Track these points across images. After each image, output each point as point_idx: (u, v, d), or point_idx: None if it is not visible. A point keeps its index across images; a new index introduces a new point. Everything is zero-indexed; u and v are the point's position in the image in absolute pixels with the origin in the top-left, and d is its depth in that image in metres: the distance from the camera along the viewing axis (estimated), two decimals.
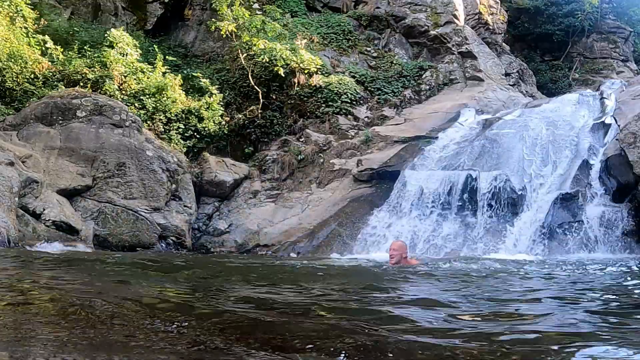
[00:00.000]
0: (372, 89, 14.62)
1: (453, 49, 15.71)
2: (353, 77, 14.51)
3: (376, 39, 16.43)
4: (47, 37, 11.77)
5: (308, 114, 13.74)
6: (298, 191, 11.92)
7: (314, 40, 15.32)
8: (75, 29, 13.95)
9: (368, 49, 16.07)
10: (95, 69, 11.71)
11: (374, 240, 9.83)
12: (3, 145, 8.90)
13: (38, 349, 2.03)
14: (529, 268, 6.41)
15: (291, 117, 13.80)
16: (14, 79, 10.83)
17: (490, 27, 17.56)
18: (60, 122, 10.08)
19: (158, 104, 11.87)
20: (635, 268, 6.10)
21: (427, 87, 15.01)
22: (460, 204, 9.90)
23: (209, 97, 12.67)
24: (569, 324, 2.80)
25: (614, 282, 4.75)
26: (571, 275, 5.38)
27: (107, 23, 15.30)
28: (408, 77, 15.07)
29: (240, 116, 13.48)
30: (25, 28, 11.54)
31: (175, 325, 2.50)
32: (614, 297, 3.90)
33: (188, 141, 12.21)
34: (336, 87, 13.69)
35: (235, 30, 13.37)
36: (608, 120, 10.87)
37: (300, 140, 13.18)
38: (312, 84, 13.64)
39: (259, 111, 13.56)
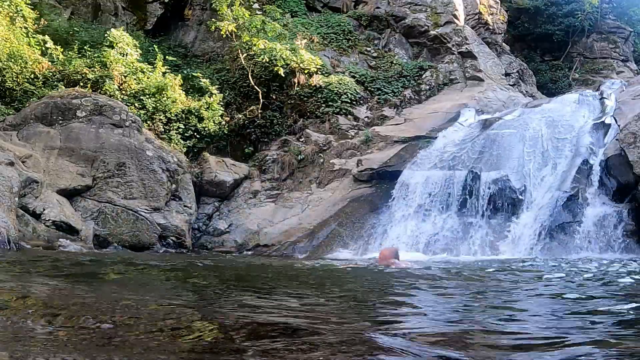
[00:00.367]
0: (372, 89, 14.62)
1: (453, 49, 15.71)
2: (353, 77, 14.51)
3: (376, 39, 16.43)
4: (47, 37, 11.77)
5: (308, 114, 13.74)
6: (298, 191, 11.92)
7: (314, 40, 15.32)
8: (75, 29, 13.95)
9: (368, 49, 16.07)
10: (95, 69, 11.71)
11: (374, 240, 9.83)
12: (3, 145, 8.90)
13: (38, 348, 2.03)
14: (527, 268, 6.40)
15: (291, 117, 13.80)
16: (14, 79, 10.83)
17: (490, 27, 17.56)
18: (60, 122, 10.08)
19: (158, 104, 11.87)
20: (635, 268, 6.10)
21: (427, 87, 15.01)
22: (460, 203, 9.91)
23: (209, 97, 12.67)
24: (555, 326, 2.78)
25: (614, 283, 4.75)
26: (569, 275, 5.38)
27: (107, 23, 15.30)
28: (408, 77, 15.07)
29: (240, 116, 13.48)
30: (25, 28, 11.54)
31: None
32: (611, 297, 3.90)
33: (188, 141, 12.21)
34: (336, 87, 13.69)
35: (235, 30, 13.37)
36: (608, 120, 10.87)
37: (300, 140, 13.18)
38: (312, 84, 13.64)
39: (259, 111, 13.56)
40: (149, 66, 12.34)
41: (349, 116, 13.64)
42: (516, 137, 10.99)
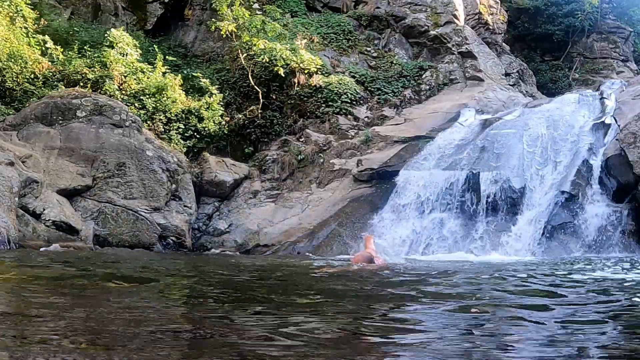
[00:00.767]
0: (372, 89, 14.62)
1: (453, 49, 15.71)
2: (353, 77, 14.51)
3: (376, 39, 16.43)
4: (47, 37, 11.77)
5: (308, 114, 13.74)
6: (298, 191, 11.92)
7: (314, 40, 15.32)
8: (75, 29, 13.95)
9: (368, 49, 16.07)
10: (95, 69, 11.71)
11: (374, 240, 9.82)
12: (3, 145, 8.90)
13: (38, 348, 2.03)
14: (524, 268, 6.40)
15: (291, 117, 13.80)
16: (14, 79, 10.83)
17: (490, 27, 17.56)
18: (60, 122, 10.08)
19: (158, 104, 11.87)
20: (634, 268, 6.10)
21: (427, 87, 15.01)
22: (460, 203, 9.91)
23: (209, 97, 12.67)
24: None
25: (612, 282, 4.75)
26: (567, 275, 5.38)
27: (107, 23, 15.30)
28: (408, 77, 15.07)
29: (240, 116, 13.48)
30: (25, 28, 11.54)
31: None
32: (607, 296, 3.90)
33: (188, 141, 12.21)
34: (336, 87, 13.69)
35: (235, 30, 13.37)
36: (608, 120, 10.87)
37: (300, 140, 13.18)
38: (312, 84, 13.64)
39: (259, 111, 13.56)
40: (149, 66, 12.34)
41: (349, 116, 13.65)
42: (516, 137, 10.99)
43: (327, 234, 10.26)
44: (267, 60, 12.94)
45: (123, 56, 11.99)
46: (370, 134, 12.71)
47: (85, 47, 12.31)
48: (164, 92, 11.96)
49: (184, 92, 12.51)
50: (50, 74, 11.58)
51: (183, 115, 12.23)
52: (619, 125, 10.21)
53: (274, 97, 13.95)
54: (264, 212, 11.34)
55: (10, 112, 10.61)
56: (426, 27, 16.14)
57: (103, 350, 2.06)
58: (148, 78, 12.00)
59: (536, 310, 3.24)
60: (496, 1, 18.28)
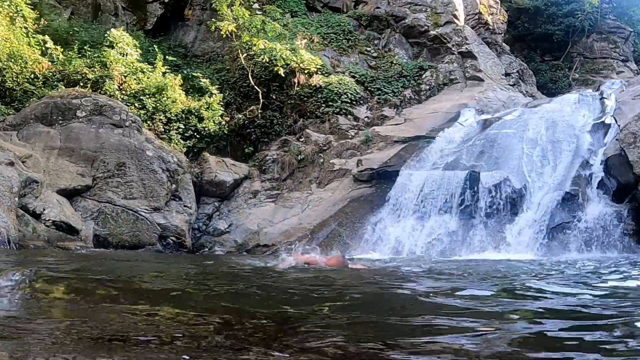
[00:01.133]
0: (372, 89, 14.62)
1: (453, 49, 15.71)
2: (353, 77, 14.51)
3: (376, 39, 16.43)
4: (47, 37, 11.78)
5: (308, 114, 13.74)
6: (298, 191, 11.92)
7: (314, 40, 15.33)
8: (75, 29, 13.96)
9: (368, 49, 16.07)
10: (95, 69, 11.71)
11: (374, 240, 9.83)
12: (3, 145, 8.90)
13: (38, 348, 2.03)
14: (522, 267, 6.40)
15: (291, 117, 13.80)
16: (14, 79, 10.83)
17: (490, 27, 17.56)
18: (60, 122, 10.08)
19: (158, 104, 11.87)
20: (634, 267, 6.10)
21: (427, 87, 15.01)
22: (460, 203, 9.91)
23: (209, 97, 12.67)
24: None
25: (611, 283, 4.75)
26: (565, 275, 5.38)
27: (107, 23, 15.30)
28: (408, 77, 15.07)
29: (240, 116, 13.48)
30: (25, 28, 11.55)
31: None
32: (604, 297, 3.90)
33: (188, 141, 12.21)
34: (336, 87, 13.69)
35: (235, 30, 13.37)
36: (608, 120, 10.87)
37: (300, 140, 13.18)
38: (312, 84, 13.64)
39: (259, 111, 13.56)
40: (149, 66, 12.35)
41: (349, 116, 13.65)
42: (516, 137, 10.99)
43: (327, 234, 10.26)
44: (267, 60, 12.95)
45: (123, 56, 12.00)
46: (370, 134, 12.71)
47: (85, 47, 12.31)
48: (164, 92, 11.96)
49: (184, 92, 12.51)
50: (50, 74, 11.58)
51: (183, 115, 12.23)
52: (619, 125, 10.21)
53: (274, 97, 13.95)
54: (264, 212, 11.34)
55: (10, 112, 10.61)
56: (426, 27, 16.15)
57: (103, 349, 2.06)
58: (148, 78, 12.00)
59: None
60: (496, 1, 18.28)
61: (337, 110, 13.59)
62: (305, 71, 13.51)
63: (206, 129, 12.35)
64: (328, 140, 12.91)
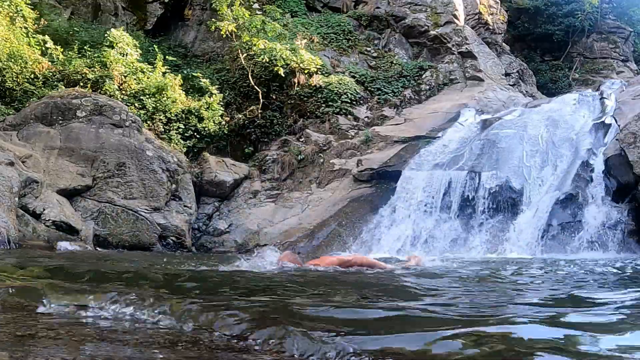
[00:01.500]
0: (372, 89, 14.62)
1: (453, 49, 15.71)
2: (353, 77, 14.51)
3: (376, 39, 16.43)
4: (47, 37, 11.77)
5: (308, 114, 13.74)
6: (298, 191, 11.93)
7: (314, 40, 15.33)
8: (75, 29, 13.96)
9: (368, 49, 16.07)
10: (95, 69, 11.71)
11: (374, 240, 9.83)
12: (3, 145, 8.90)
13: (38, 348, 2.03)
14: (519, 268, 6.40)
15: (291, 117, 13.80)
16: (14, 79, 10.83)
17: (490, 27, 17.56)
18: (60, 122, 10.08)
19: (158, 104, 11.87)
20: (633, 268, 6.10)
21: (427, 87, 15.01)
22: (460, 204, 9.91)
23: (209, 97, 12.67)
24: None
25: (611, 283, 4.75)
26: (565, 275, 5.38)
27: (107, 23, 15.30)
28: (408, 77, 15.07)
29: (240, 116, 13.48)
30: (25, 28, 11.54)
31: None
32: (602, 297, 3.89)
33: (188, 141, 12.22)
34: (336, 87, 13.69)
35: (235, 30, 13.37)
36: (608, 120, 10.87)
37: (300, 140, 13.18)
38: (312, 84, 13.64)
39: (259, 111, 13.56)
40: (149, 66, 12.35)
41: (349, 116, 13.65)
42: (516, 137, 11.00)
43: (327, 234, 10.26)
44: (267, 60, 12.95)
45: (123, 56, 12.00)
46: (370, 134, 12.71)
47: (85, 47, 12.31)
48: (164, 92, 11.96)
49: (184, 92, 12.51)
50: (50, 74, 11.58)
51: (183, 115, 12.23)
52: (619, 125, 10.21)
53: (274, 97, 13.95)
54: (264, 212, 11.35)
55: (10, 112, 10.61)
56: (426, 27, 16.15)
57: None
58: (148, 78, 12.01)
59: None
60: (496, 1, 18.28)
61: (337, 110, 13.59)
62: (305, 71, 13.51)
63: (206, 129, 12.35)
64: (328, 140, 12.91)
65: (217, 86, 13.26)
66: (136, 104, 11.63)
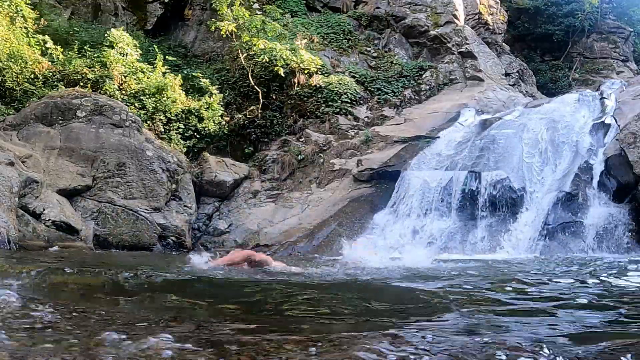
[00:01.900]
0: (372, 89, 14.62)
1: (453, 49, 15.71)
2: (353, 77, 14.52)
3: (376, 39, 16.43)
4: (47, 37, 11.78)
5: (308, 114, 13.75)
6: (298, 191, 11.93)
7: (314, 40, 15.33)
8: (75, 29, 13.96)
9: (368, 49, 16.07)
10: (95, 69, 11.71)
11: (375, 240, 9.82)
12: (3, 145, 8.90)
13: (38, 348, 2.03)
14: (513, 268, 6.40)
15: (291, 117, 13.80)
16: (14, 79, 10.83)
17: (490, 27, 17.57)
18: (60, 122, 10.08)
19: (158, 104, 11.88)
20: (633, 268, 6.10)
21: (427, 87, 15.01)
22: (460, 204, 9.91)
23: (209, 97, 12.68)
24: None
25: (610, 283, 4.75)
26: (563, 275, 5.38)
27: (107, 23, 15.30)
28: (408, 77, 15.07)
29: (240, 116, 13.49)
30: (25, 28, 11.55)
31: None
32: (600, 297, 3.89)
33: (188, 141, 12.22)
34: (336, 87, 13.70)
35: (235, 30, 13.38)
36: (608, 120, 10.87)
37: (300, 140, 13.19)
38: (312, 84, 13.64)
39: (259, 111, 13.57)
40: (149, 66, 12.35)
41: (349, 116, 13.65)
42: (516, 137, 10.99)
43: (327, 234, 10.26)
44: (267, 60, 12.95)
45: (123, 56, 12.00)
46: (370, 134, 12.71)
47: (85, 47, 12.31)
48: (164, 92, 11.97)
49: (184, 92, 12.52)
50: (50, 74, 11.58)
51: (183, 115, 12.24)
52: (619, 125, 10.21)
53: (274, 97, 13.95)
54: (264, 212, 11.35)
55: (10, 112, 10.61)
56: (426, 27, 16.15)
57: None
58: (148, 78, 12.01)
59: None
60: (496, 1, 18.29)
61: (337, 110, 13.59)
62: (305, 71, 13.51)
63: (206, 129, 12.36)
64: (328, 140, 12.91)
65: (217, 86, 13.26)
66: (136, 104, 11.64)
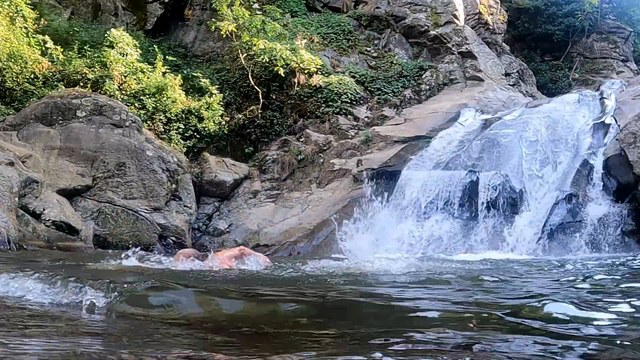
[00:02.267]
0: (372, 89, 14.62)
1: (453, 49, 15.71)
2: (353, 77, 14.51)
3: (376, 39, 16.43)
4: (47, 37, 11.78)
5: (308, 114, 13.74)
6: (298, 191, 11.92)
7: (314, 40, 15.33)
8: (75, 29, 13.96)
9: (368, 49, 16.07)
10: (95, 69, 11.71)
11: (374, 240, 9.82)
12: (3, 145, 8.90)
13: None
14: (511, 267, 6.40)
15: (291, 117, 13.80)
16: (14, 79, 10.83)
17: (490, 27, 17.56)
18: (60, 122, 10.09)
19: (158, 104, 11.88)
20: (634, 268, 6.10)
21: (427, 87, 15.01)
22: (460, 204, 9.90)
23: (209, 97, 12.67)
24: None
25: (610, 283, 4.75)
26: (563, 275, 5.38)
27: (107, 23, 15.30)
28: (408, 77, 15.07)
29: (240, 116, 13.48)
30: (25, 28, 11.55)
31: None
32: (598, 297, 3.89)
33: (188, 141, 12.22)
34: (336, 87, 13.69)
35: (235, 30, 13.38)
36: (608, 120, 10.86)
37: (300, 140, 13.18)
38: (312, 84, 13.64)
39: (259, 111, 13.56)
40: (149, 66, 12.35)
41: (349, 116, 13.65)
42: (516, 137, 10.99)
43: (327, 234, 10.25)
44: (267, 60, 12.95)
45: (123, 56, 12.00)
46: (370, 134, 12.71)
47: (85, 47, 12.31)
48: (164, 92, 11.97)
49: (184, 92, 12.52)
50: (50, 74, 11.58)
51: (183, 115, 12.23)
52: (619, 125, 10.20)
53: (274, 97, 13.95)
54: (264, 212, 11.34)
55: (10, 112, 10.61)
56: (426, 27, 16.15)
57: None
58: (148, 78, 12.01)
59: None
60: (496, 1, 18.28)
61: (337, 110, 13.59)
62: (305, 71, 13.51)
63: (206, 129, 12.36)
64: (328, 140, 12.91)
65: (217, 86, 13.26)
66: (136, 104, 11.64)
